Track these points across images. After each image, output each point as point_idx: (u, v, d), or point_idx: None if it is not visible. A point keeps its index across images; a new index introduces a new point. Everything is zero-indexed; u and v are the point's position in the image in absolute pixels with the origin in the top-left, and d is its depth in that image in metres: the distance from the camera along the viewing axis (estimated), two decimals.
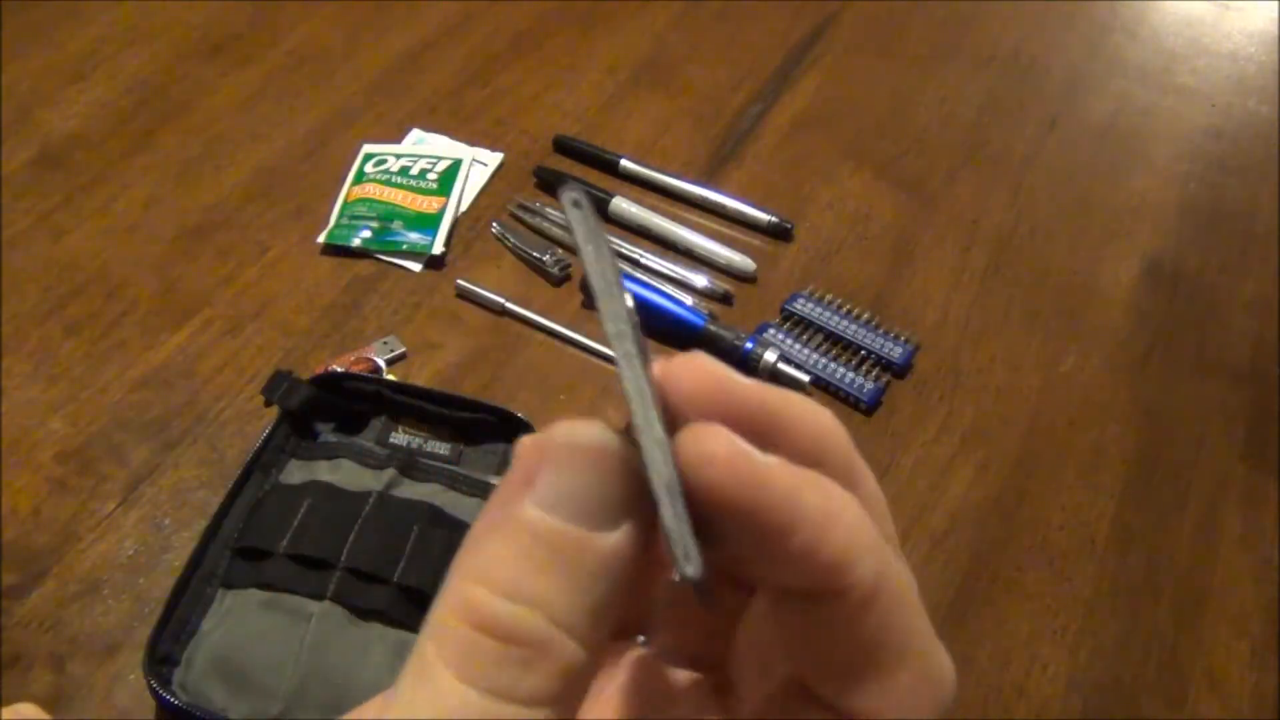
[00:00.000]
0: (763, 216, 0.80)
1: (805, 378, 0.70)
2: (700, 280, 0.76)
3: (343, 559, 0.55)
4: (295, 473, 0.61)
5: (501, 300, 0.74)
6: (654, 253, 0.78)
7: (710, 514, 0.17)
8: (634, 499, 0.18)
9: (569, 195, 0.18)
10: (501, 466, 0.63)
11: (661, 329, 0.73)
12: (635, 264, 0.77)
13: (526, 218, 0.80)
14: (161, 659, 0.54)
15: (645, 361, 0.18)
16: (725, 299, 0.76)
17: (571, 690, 0.17)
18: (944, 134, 0.90)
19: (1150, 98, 0.96)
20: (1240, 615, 0.63)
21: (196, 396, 0.68)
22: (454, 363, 0.71)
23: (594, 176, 0.84)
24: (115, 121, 0.85)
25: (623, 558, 0.18)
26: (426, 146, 0.85)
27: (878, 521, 0.19)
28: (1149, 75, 0.98)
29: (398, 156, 0.83)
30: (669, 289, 0.75)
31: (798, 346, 0.72)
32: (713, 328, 0.72)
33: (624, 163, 0.84)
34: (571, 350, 0.72)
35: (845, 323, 0.74)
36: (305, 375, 0.65)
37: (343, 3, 0.98)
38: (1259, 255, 0.83)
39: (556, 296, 0.75)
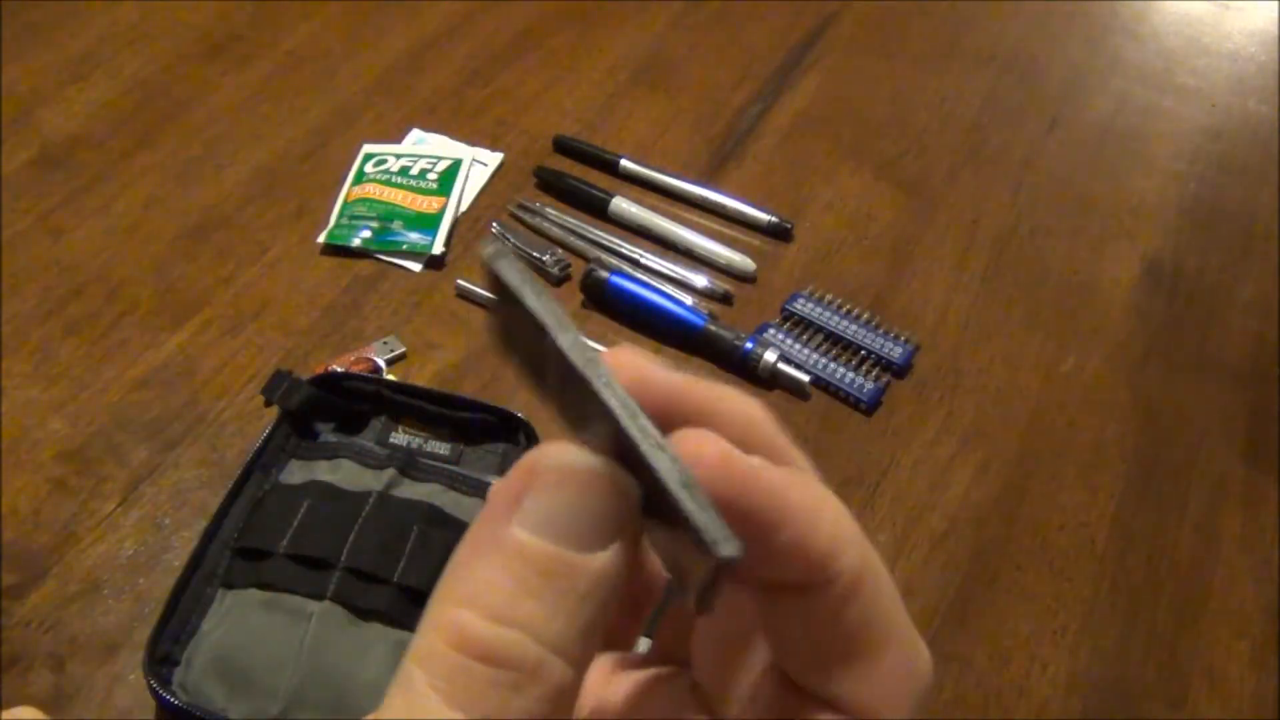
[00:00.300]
0: (762, 216, 0.80)
1: (805, 378, 0.70)
2: (700, 280, 0.76)
3: (343, 559, 0.55)
4: (295, 473, 0.61)
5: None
6: (654, 253, 0.78)
7: None
8: (621, 519, 0.18)
9: (488, 251, 0.19)
10: (502, 466, 0.63)
11: (662, 329, 0.73)
12: (635, 264, 0.77)
13: (526, 218, 0.80)
14: (161, 659, 0.54)
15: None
16: (725, 299, 0.76)
17: (560, 709, 0.17)
18: (944, 134, 0.90)
19: (1150, 98, 0.96)
20: (1240, 615, 0.63)
21: (196, 396, 0.68)
22: (454, 363, 0.71)
23: (594, 176, 0.84)
24: (115, 121, 0.85)
25: (611, 578, 0.18)
26: (426, 146, 0.85)
27: None
28: (1149, 75, 0.98)
29: (398, 156, 0.83)
30: (669, 289, 0.75)
31: (798, 346, 0.72)
32: (713, 328, 0.72)
33: (624, 163, 0.84)
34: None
35: (845, 323, 0.74)
36: (305, 375, 0.65)
37: (343, 3, 0.98)
38: (1259, 255, 0.83)
39: (556, 296, 0.75)
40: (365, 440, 0.64)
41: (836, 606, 0.19)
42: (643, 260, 0.78)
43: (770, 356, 0.70)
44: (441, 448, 0.64)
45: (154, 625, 0.54)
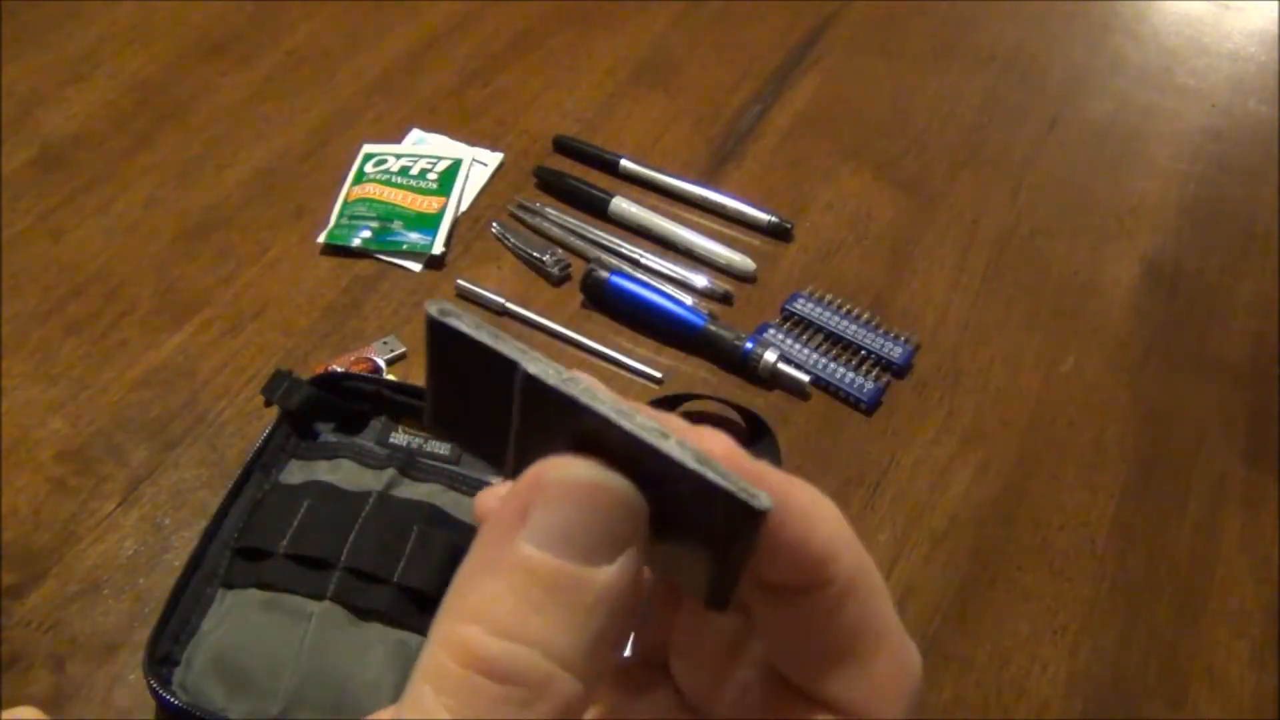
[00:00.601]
0: (762, 216, 0.80)
1: (805, 378, 0.70)
2: (700, 280, 0.76)
3: (343, 559, 0.55)
4: (295, 473, 0.61)
5: (501, 300, 0.74)
6: (654, 253, 0.78)
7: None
8: (628, 531, 0.18)
9: (434, 308, 0.19)
10: None
11: (662, 329, 0.73)
12: (635, 264, 0.77)
13: (526, 218, 0.80)
14: (161, 659, 0.54)
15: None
16: (725, 299, 0.76)
17: None
18: (944, 134, 0.90)
19: (1150, 98, 0.96)
20: (1240, 615, 0.63)
21: (196, 396, 0.68)
22: None
23: (594, 176, 0.84)
24: (115, 121, 0.85)
25: (619, 591, 0.18)
26: (426, 146, 0.85)
27: None
28: (1149, 75, 0.98)
29: (398, 156, 0.83)
30: (669, 289, 0.75)
31: (798, 346, 0.72)
32: (713, 328, 0.72)
33: (624, 163, 0.84)
34: (571, 350, 0.72)
35: (845, 323, 0.74)
36: (305, 375, 0.65)
37: (343, 3, 0.98)
38: (1259, 255, 0.83)
39: (556, 296, 0.75)
40: (365, 440, 0.64)
41: (833, 607, 0.19)
42: (643, 260, 0.78)
43: (770, 356, 0.70)
44: (441, 448, 0.64)
45: (154, 625, 0.54)
